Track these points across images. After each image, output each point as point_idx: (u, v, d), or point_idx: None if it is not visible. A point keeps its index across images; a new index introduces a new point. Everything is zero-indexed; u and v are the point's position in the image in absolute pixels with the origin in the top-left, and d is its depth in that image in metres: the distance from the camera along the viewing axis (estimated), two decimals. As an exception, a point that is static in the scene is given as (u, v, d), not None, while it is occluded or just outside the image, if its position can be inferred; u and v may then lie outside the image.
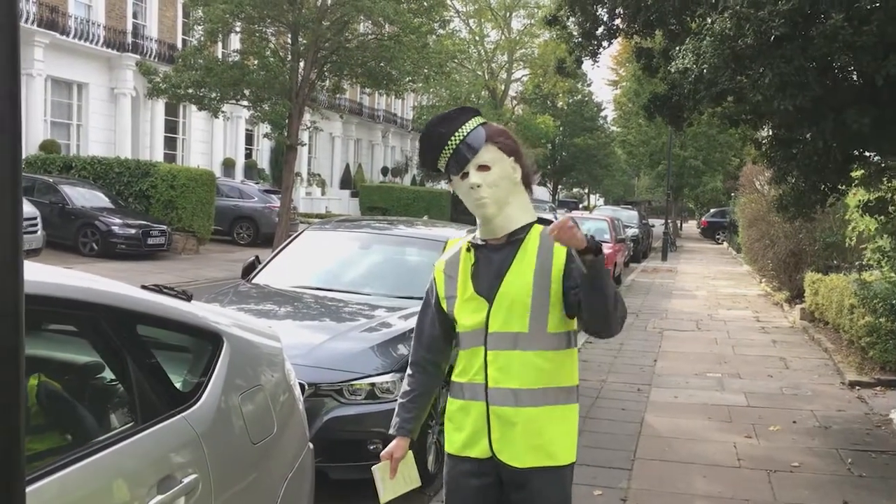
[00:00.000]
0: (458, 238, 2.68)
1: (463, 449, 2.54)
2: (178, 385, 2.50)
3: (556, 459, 2.48)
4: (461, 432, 2.54)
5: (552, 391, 2.45)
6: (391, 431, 2.64)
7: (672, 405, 7.31)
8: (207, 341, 2.67)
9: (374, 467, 2.63)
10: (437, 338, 2.65)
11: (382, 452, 2.61)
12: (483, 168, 2.44)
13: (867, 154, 6.59)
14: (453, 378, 2.61)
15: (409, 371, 2.70)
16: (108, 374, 2.33)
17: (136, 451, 2.18)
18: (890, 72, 4.90)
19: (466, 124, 2.47)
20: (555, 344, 2.46)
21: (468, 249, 2.54)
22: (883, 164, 6.37)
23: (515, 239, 2.48)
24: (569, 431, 2.52)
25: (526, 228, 2.49)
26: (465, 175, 2.47)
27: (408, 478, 2.65)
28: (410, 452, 2.65)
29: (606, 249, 14.77)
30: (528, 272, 2.43)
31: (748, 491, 5.10)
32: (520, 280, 2.43)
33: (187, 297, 2.79)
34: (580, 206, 52.95)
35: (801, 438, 6.32)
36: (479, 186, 2.43)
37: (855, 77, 5.82)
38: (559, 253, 2.42)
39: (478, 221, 2.54)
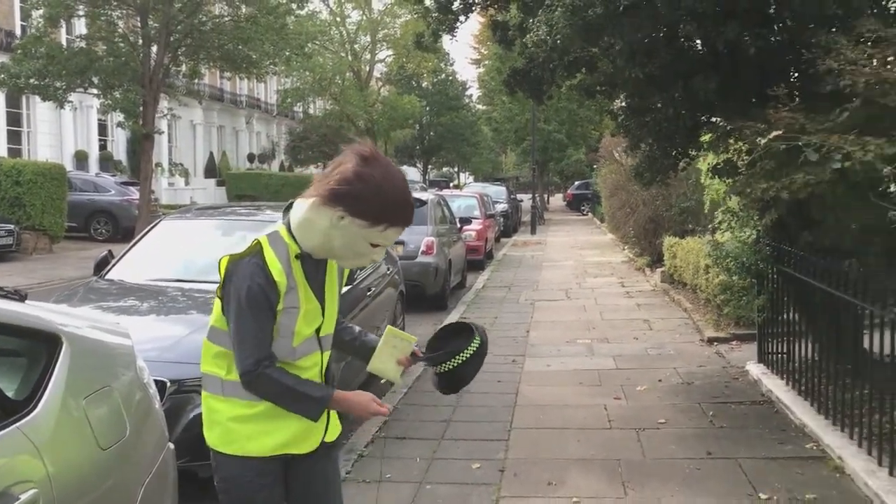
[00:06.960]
0: (266, 239, 2.47)
1: (285, 447, 2.53)
2: (9, 393, 2.29)
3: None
4: (284, 430, 2.51)
5: None
6: (326, 392, 2.49)
7: (545, 374, 7.47)
8: (43, 343, 2.46)
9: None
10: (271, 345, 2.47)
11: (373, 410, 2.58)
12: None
13: (714, 119, 6.87)
14: None
15: (269, 370, 2.43)
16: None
17: (-38, 468, 1.98)
18: (729, 37, 5.10)
19: None
20: None
21: (296, 258, 2.48)
22: (729, 127, 6.66)
23: None
24: None
25: None
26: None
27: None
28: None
29: (476, 225, 14.79)
30: (335, 282, 2.66)
31: (620, 450, 5.26)
32: (334, 287, 2.65)
33: (20, 297, 2.56)
34: (450, 184, 53.32)
35: (666, 396, 6.58)
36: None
37: (699, 45, 6.04)
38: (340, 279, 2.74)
39: (305, 244, 2.45)
